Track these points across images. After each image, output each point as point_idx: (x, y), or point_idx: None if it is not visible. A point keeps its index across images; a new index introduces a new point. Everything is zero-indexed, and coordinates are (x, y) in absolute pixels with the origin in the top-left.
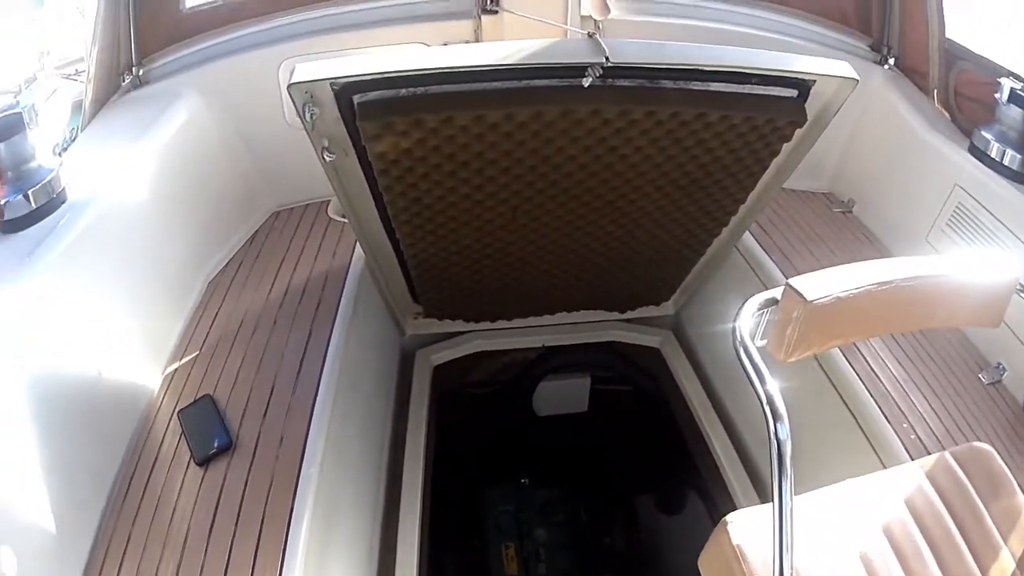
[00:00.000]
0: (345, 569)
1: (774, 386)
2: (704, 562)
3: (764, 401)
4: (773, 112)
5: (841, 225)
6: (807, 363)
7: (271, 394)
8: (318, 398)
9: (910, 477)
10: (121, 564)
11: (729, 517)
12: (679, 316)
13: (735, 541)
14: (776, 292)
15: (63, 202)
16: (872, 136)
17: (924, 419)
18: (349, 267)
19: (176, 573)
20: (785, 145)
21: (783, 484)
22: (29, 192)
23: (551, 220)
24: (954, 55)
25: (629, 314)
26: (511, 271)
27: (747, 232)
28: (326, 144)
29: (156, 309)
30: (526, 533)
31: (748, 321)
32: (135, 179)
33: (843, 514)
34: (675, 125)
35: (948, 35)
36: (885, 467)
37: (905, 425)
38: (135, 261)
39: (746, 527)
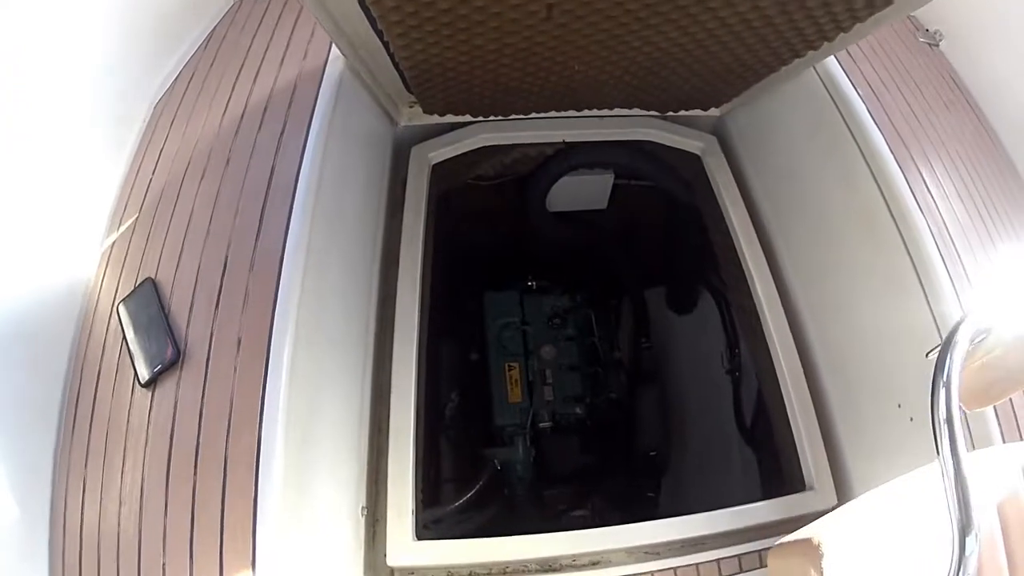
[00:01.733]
0: (336, 418)
1: (967, 473)
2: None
3: (954, 497)
4: None
5: (928, 61)
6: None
7: (224, 269)
8: (291, 226)
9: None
10: (83, 514)
11: (821, 537)
12: (725, 122)
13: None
14: (991, 322)
15: None
16: None
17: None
18: (327, 60)
19: (139, 524)
20: None
21: None
22: None
23: (600, 20)
24: None
25: (669, 115)
26: (535, 71)
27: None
28: None
29: (89, 163)
30: (532, 351)
31: (958, 364)
32: None
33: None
34: None
35: None
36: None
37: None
38: (57, 104)
39: (842, 554)
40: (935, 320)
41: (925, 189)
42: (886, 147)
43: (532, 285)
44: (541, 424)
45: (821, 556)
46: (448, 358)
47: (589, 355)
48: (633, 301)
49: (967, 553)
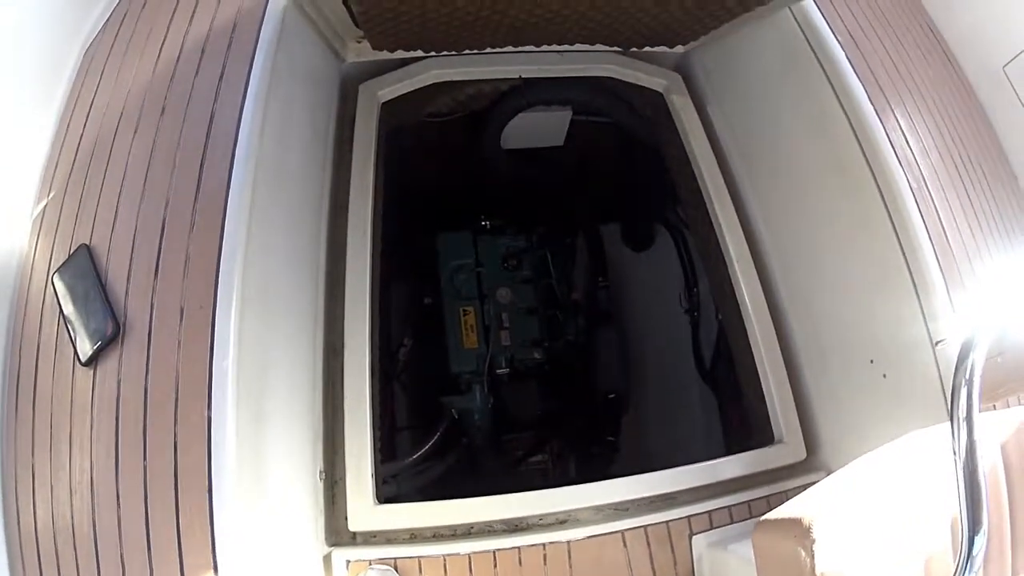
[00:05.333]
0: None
1: (982, 472)
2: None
3: (966, 495)
4: None
5: (905, 9)
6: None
7: (163, 231)
8: (232, 180)
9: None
10: (35, 509)
11: (813, 519)
12: (689, 59)
13: (820, 570)
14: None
15: None
16: None
17: None
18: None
19: (92, 516)
20: None
21: None
22: None
23: None
24: None
25: (632, 51)
26: (493, 4)
27: None
28: None
29: (17, 120)
30: (487, 294)
31: (981, 363)
32: None
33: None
34: None
35: None
36: None
37: None
38: None
39: (833, 534)
40: (910, 272)
41: (903, 138)
42: (864, 94)
43: (486, 225)
44: (499, 370)
45: (813, 541)
46: (400, 303)
47: (546, 297)
48: (589, 240)
49: (975, 551)
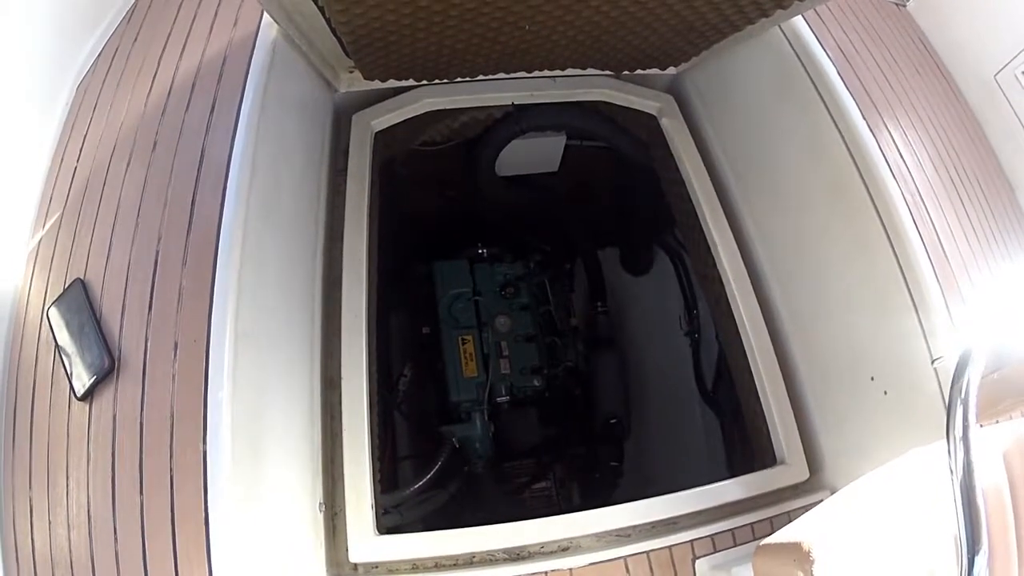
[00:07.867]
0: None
1: (979, 492)
2: None
3: (965, 517)
4: None
5: (896, 23)
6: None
7: (156, 265)
8: (224, 215)
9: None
10: (33, 542)
11: (812, 543)
12: (682, 80)
13: None
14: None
15: None
16: None
17: None
18: (259, 27)
19: (91, 550)
20: None
21: None
22: None
23: None
24: None
25: (624, 74)
26: (483, 33)
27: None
28: None
29: (11, 155)
30: (485, 322)
31: (976, 381)
32: None
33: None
34: None
35: None
36: None
37: None
38: None
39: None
40: (908, 288)
41: (897, 154)
42: (857, 110)
43: (483, 253)
44: (499, 398)
45: (812, 562)
46: (399, 333)
47: (545, 324)
48: (587, 265)
49: (976, 573)
